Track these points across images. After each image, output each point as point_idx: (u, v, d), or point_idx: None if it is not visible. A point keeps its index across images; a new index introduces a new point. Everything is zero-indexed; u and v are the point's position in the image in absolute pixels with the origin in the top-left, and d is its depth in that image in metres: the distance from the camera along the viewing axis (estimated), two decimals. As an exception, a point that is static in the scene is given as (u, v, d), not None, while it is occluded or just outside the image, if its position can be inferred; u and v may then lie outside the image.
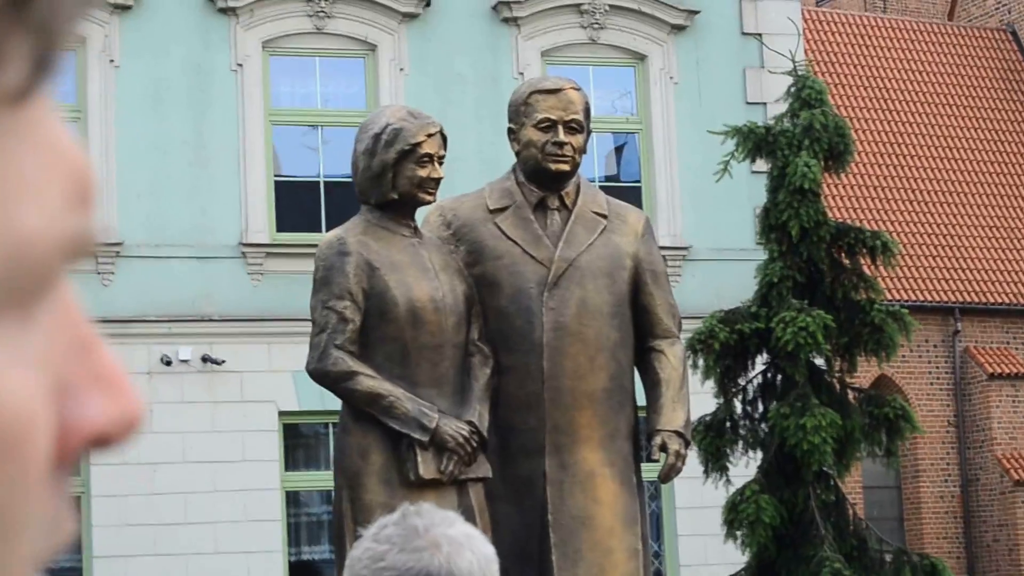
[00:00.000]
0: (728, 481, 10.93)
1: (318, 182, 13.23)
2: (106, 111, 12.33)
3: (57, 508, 0.33)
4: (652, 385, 4.62)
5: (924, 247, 18.87)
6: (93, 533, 11.87)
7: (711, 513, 11.31)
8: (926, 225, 19.16)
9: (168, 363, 12.11)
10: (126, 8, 12.42)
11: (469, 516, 4.13)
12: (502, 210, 4.57)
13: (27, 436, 0.30)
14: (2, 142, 0.30)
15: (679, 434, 4.50)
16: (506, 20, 13.92)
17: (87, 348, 0.33)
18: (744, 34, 14.78)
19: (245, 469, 12.05)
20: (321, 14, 12.86)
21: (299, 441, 13.74)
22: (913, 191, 19.24)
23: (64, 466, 0.33)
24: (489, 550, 1.66)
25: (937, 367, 18.11)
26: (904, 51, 21.05)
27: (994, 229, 19.77)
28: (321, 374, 4.35)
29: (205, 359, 12.29)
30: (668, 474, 4.60)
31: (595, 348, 4.51)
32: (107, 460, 10.99)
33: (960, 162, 20.07)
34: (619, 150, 15.69)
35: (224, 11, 12.68)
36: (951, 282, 18.51)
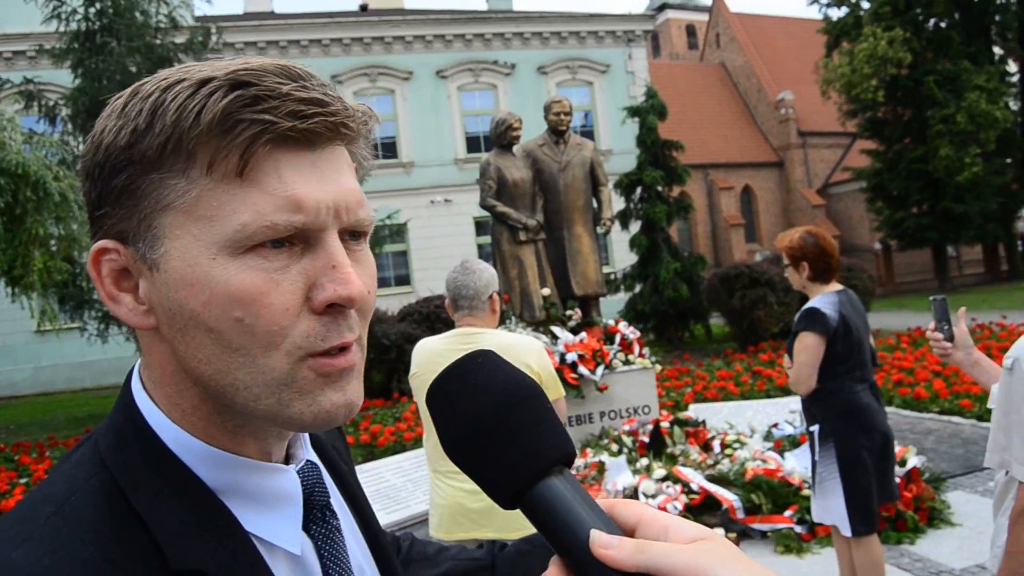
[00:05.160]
0: (628, 231, 17.58)
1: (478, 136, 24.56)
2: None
3: (318, 330, 0.55)
4: (598, 202, 7.58)
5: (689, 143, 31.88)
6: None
7: (625, 244, 18.32)
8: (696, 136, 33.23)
9: (432, 201, 23.39)
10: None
11: (537, 254, 7.10)
12: (542, 145, 7.39)
13: (271, 300, 0.53)
14: (235, 191, 0.52)
15: (611, 218, 7.54)
16: (544, 73, 24.82)
17: (336, 266, 0.55)
18: (627, 72, 25.48)
19: (461, 239, 23.11)
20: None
21: (478, 229, 23.79)
22: (689, 128, 33.40)
23: (318, 314, 0.55)
24: (492, 275, 2.68)
25: (698, 187, 32.97)
26: (682, 77, 38.06)
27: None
28: (483, 205, 7.01)
29: (446, 200, 23.55)
30: (606, 232, 7.65)
31: (578, 191, 7.37)
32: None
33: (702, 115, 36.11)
34: (584, 116, 25.09)
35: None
36: (700, 152, 33.33)
